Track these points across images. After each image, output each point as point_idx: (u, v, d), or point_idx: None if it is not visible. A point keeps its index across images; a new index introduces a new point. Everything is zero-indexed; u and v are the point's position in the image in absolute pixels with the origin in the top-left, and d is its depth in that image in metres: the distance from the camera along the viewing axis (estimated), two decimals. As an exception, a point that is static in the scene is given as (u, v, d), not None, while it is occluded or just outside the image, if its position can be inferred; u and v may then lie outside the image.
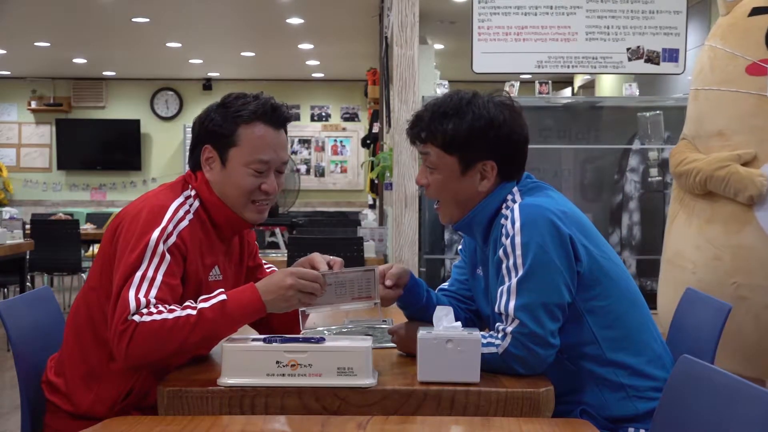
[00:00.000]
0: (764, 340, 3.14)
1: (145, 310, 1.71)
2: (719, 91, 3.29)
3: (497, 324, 1.80)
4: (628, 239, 5.36)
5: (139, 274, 1.75)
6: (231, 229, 1.98)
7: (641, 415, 1.83)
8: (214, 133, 1.91)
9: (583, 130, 5.61)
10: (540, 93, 5.76)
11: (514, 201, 1.89)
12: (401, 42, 4.47)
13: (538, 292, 1.76)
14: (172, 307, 1.73)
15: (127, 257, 1.78)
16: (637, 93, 5.57)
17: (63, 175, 12.50)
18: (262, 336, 1.74)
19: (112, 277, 1.80)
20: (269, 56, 10.59)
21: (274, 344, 1.65)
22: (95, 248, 7.83)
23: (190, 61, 10.96)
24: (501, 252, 1.82)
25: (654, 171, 5.29)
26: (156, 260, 1.77)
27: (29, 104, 12.34)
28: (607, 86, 8.70)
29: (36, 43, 9.73)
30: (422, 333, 1.67)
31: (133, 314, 1.70)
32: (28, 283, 6.35)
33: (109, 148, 12.31)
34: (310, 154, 12.64)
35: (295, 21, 8.39)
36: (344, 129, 12.69)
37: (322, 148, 12.67)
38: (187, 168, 2.01)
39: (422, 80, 4.88)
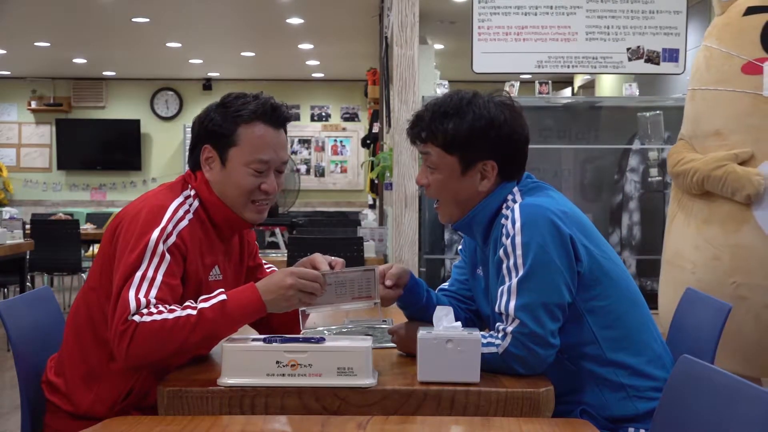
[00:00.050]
0: (764, 339, 3.14)
1: (145, 311, 1.71)
2: (715, 90, 3.30)
3: (497, 324, 1.80)
4: (628, 239, 5.36)
5: (139, 274, 1.75)
6: (231, 229, 1.98)
7: (641, 415, 1.83)
8: (213, 133, 1.91)
9: (583, 130, 5.61)
10: (540, 93, 5.76)
11: (514, 201, 1.89)
12: (401, 42, 4.47)
13: (539, 292, 1.76)
14: (172, 307, 1.73)
15: (126, 257, 1.78)
16: (637, 93, 5.57)
17: (63, 175, 12.50)
18: (262, 336, 1.74)
19: (111, 277, 1.80)
20: (269, 56, 10.59)
21: (274, 344, 1.65)
22: (95, 248, 7.83)
23: (190, 61, 10.96)
24: (501, 252, 1.82)
25: (654, 171, 5.29)
26: (156, 260, 1.77)
27: (29, 104, 12.34)
28: (607, 86, 8.70)
29: (36, 43, 9.73)
30: (422, 333, 1.67)
31: (133, 314, 1.70)
32: (28, 283, 6.35)
33: (109, 148, 12.31)
34: (310, 154, 12.64)
35: (295, 21, 8.39)
36: (344, 129, 12.69)
37: (322, 148, 12.67)
38: (187, 168, 2.01)
39: (422, 80, 4.88)
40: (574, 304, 1.82)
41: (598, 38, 4.55)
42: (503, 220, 1.86)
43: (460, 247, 2.20)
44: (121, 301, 1.72)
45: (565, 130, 5.60)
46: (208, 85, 12.37)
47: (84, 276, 7.03)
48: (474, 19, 4.54)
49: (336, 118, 12.67)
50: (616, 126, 5.65)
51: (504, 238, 1.82)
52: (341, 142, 12.68)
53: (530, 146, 1.96)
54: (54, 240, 6.93)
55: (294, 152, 12.40)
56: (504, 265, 1.81)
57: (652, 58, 4.55)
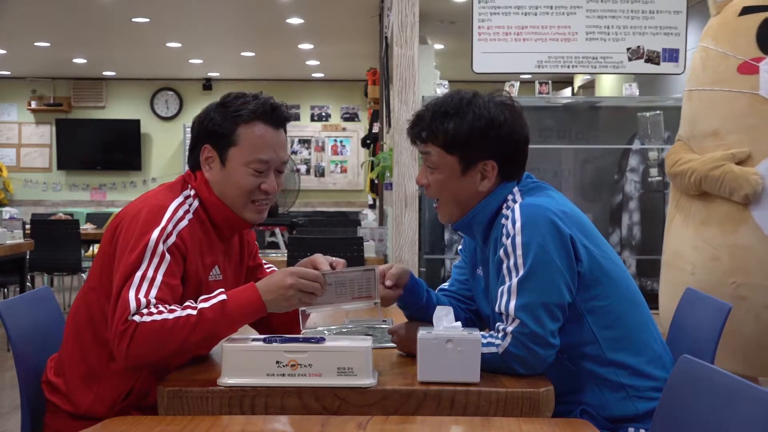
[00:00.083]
0: (764, 339, 3.14)
1: (145, 311, 1.71)
2: (712, 91, 3.30)
3: (497, 324, 1.80)
4: (628, 239, 5.36)
5: (139, 274, 1.75)
6: (230, 229, 1.98)
7: (641, 415, 1.83)
8: (213, 133, 1.91)
9: (583, 130, 5.62)
10: (540, 93, 5.76)
11: (514, 201, 1.89)
12: (401, 42, 4.47)
13: (539, 292, 1.76)
14: (172, 307, 1.73)
15: (126, 257, 1.78)
16: (637, 93, 5.57)
17: (63, 175, 12.50)
18: (262, 336, 1.74)
19: (111, 277, 1.80)
20: (269, 56, 10.59)
21: (274, 344, 1.65)
22: (95, 248, 7.83)
23: (190, 61, 10.96)
24: (501, 252, 1.82)
25: (654, 171, 5.29)
26: (156, 260, 1.77)
27: (29, 104, 12.34)
28: (607, 86, 8.70)
29: (36, 43, 9.73)
30: (422, 333, 1.67)
31: (133, 314, 1.70)
32: (28, 283, 6.35)
33: (109, 148, 12.31)
34: (310, 154, 12.64)
35: (295, 21, 8.39)
36: (344, 129, 12.69)
37: (322, 148, 12.67)
38: (187, 168, 2.01)
39: (422, 80, 4.88)
40: (574, 304, 1.82)
41: (598, 38, 4.55)
42: (503, 220, 1.86)
43: (460, 247, 2.20)
44: (121, 301, 1.72)
45: (565, 130, 5.60)
46: (208, 85, 12.37)
47: (84, 276, 7.03)
48: (474, 19, 4.54)
49: (336, 118, 12.67)
50: (616, 126, 5.65)
51: (504, 238, 1.82)
52: (341, 142, 12.68)
53: (530, 146, 1.96)
54: (54, 240, 6.93)
55: (294, 152, 12.40)
56: (504, 265, 1.81)
57: (652, 58, 4.55)
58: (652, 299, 3.07)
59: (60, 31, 9.24)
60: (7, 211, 7.20)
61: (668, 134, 5.23)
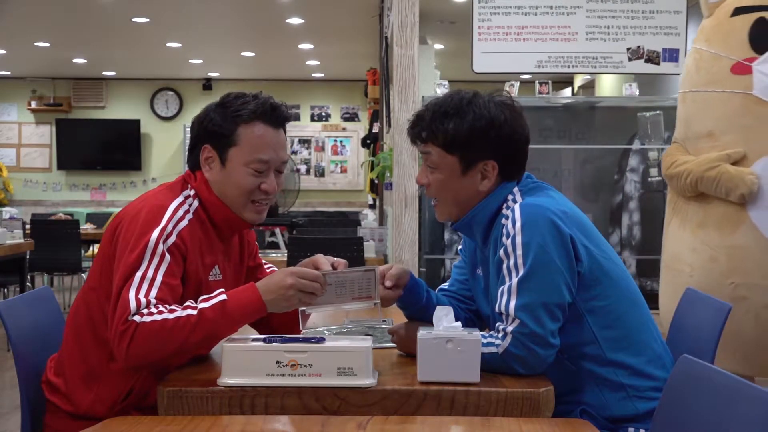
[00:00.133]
0: (764, 339, 3.15)
1: (145, 311, 1.71)
2: (706, 92, 3.31)
3: (497, 324, 1.80)
4: (628, 239, 5.36)
5: (139, 274, 1.75)
6: (230, 229, 1.98)
7: (641, 415, 1.83)
8: (213, 133, 1.91)
9: (583, 130, 5.62)
10: (540, 93, 5.76)
11: (514, 201, 1.89)
12: (401, 42, 4.47)
13: (539, 292, 1.76)
14: (172, 307, 1.73)
15: (126, 257, 1.78)
16: (637, 93, 5.57)
17: (63, 175, 12.50)
18: (262, 336, 1.74)
19: (111, 277, 1.80)
20: (269, 56, 10.59)
21: (274, 344, 1.65)
22: (95, 248, 7.82)
23: (190, 61, 10.96)
24: (501, 252, 1.82)
25: (654, 171, 5.29)
26: (156, 260, 1.77)
27: (29, 104, 12.34)
28: (607, 86, 8.70)
29: (36, 43, 9.73)
30: (422, 333, 1.67)
31: (133, 314, 1.70)
32: (28, 283, 6.35)
33: (109, 148, 12.31)
34: (310, 154, 12.64)
35: (295, 21, 8.39)
36: (344, 129, 12.69)
37: (322, 148, 12.67)
38: (187, 168, 2.01)
39: (422, 80, 4.88)
40: (574, 304, 1.82)
41: (598, 38, 4.56)
42: (503, 220, 1.86)
43: (460, 247, 2.20)
44: (121, 301, 1.72)
45: (565, 130, 5.60)
46: (208, 85, 12.37)
47: (84, 276, 7.03)
48: (474, 19, 4.54)
49: (336, 118, 12.67)
50: (616, 126, 5.65)
51: (504, 238, 1.82)
52: (341, 142, 12.68)
53: (530, 146, 1.96)
54: (54, 240, 6.94)
55: (294, 152, 12.40)
56: (504, 265, 1.81)
57: (652, 58, 4.55)
58: (652, 299, 3.08)
59: (60, 31, 9.24)
60: (7, 211, 7.20)
61: (668, 134, 5.23)
